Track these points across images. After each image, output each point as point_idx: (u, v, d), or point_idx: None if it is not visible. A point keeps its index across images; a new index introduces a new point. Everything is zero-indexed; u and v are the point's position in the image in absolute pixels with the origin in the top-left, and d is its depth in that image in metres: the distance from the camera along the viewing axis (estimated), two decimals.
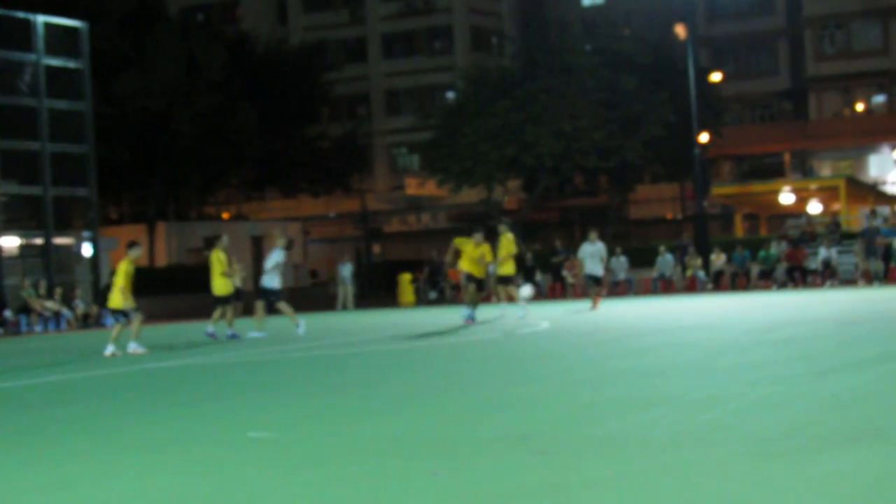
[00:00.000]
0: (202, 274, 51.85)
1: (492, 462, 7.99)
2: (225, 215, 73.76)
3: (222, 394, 14.07)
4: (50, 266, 42.99)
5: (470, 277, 27.66)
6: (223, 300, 26.81)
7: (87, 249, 44.83)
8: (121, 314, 22.19)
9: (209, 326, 27.23)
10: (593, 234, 33.24)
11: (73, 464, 9.02)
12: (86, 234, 45.17)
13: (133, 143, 58.03)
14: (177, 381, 16.50)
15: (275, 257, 26.84)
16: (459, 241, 28.10)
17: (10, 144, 42.55)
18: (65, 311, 40.50)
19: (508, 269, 29.05)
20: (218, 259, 27.02)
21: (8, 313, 39.86)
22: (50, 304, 39.98)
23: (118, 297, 22.05)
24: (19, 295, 39.92)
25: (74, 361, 21.86)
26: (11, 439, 10.79)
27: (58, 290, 41.00)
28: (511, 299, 30.18)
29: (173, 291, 50.64)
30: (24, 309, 39.59)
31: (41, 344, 28.32)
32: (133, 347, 22.12)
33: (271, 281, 27.19)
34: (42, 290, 40.33)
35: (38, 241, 43.75)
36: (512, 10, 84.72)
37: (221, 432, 10.34)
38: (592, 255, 32.71)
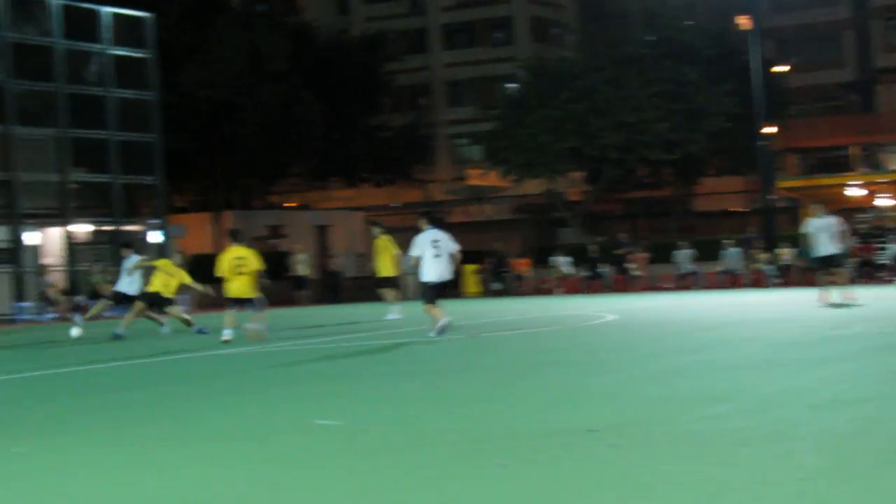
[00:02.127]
0: (266, 262, 52.47)
1: (560, 455, 7.93)
2: (289, 204, 74.00)
3: (291, 382, 14.13)
4: (119, 253, 43.34)
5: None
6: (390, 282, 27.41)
7: (154, 236, 45.19)
8: (247, 302, 22.05)
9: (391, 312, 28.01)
10: (819, 208, 27.52)
11: (147, 448, 9.09)
12: (153, 221, 45.57)
13: (198, 132, 58.35)
14: (247, 367, 16.59)
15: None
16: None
17: (80, 133, 43.03)
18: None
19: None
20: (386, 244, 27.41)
21: (79, 298, 40.33)
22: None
23: (246, 286, 21.93)
24: (89, 280, 40.37)
25: (144, 346, 22.01)
26: (87, 421, 10.90)
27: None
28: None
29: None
30: (95, 294, 39.96)
31: (111, 329, 28.46)
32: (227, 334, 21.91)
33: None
34: (111, 276, 40.70)
35: (108, 227, 44.22)
36: (572, 0, 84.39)
37: (289, 420, 10.36)
38: (823, 231, 26.86)
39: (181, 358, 18.73)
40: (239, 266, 21.63)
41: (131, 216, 45.48)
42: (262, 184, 68.95)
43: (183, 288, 26.52)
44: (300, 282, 45.66)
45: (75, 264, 42.08)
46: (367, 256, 66.25)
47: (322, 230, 62.46)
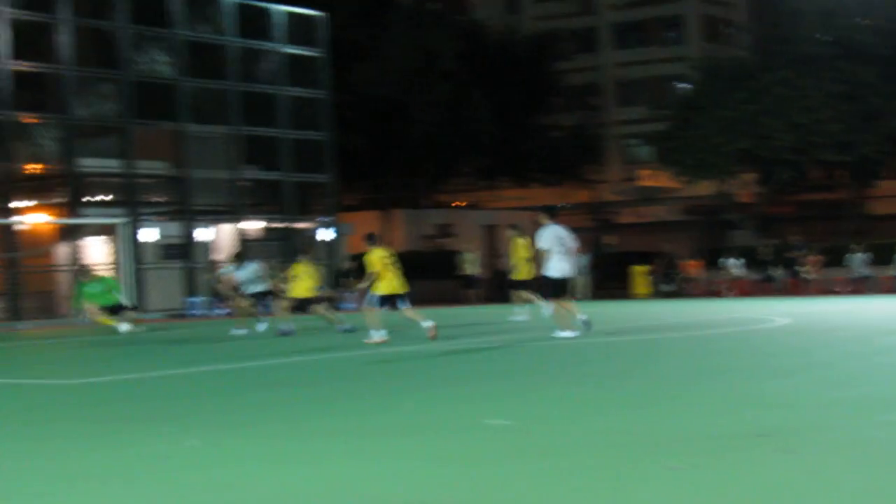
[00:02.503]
0: (435, 260, 52.55)
1: (732, 459, 7.79)
2: (458, 203, 74.03)
3: (459, 380, 14.14)
4: (288, 250, 43.79)
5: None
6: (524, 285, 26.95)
7: (325, 234, 45.49)
8: (398, 299, 21.97)
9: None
10: None
11: (319, 442, 9.19)
12: (323, 219, 45.85)
13: (368, 131, 58.67)
14: (413, 366, 16.66)
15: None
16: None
17: (253, 131, 43.54)
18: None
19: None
20: (522, 246, 27.16)
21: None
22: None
23: (399, 282, 21.86)
24: (268, 277, 40.74)
25: (316, 342, 22.22)
26: (257, 415, 11.03)
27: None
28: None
29: (407, 277, 50.83)
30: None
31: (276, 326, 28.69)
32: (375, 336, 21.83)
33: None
34: (283, 273, 41.05)
35: (278, 225, 44.63)
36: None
37: (458, 418, 10.34)
38: None
39: (342, 357, 18.83)
40: (390, 262, 21.56)
41: (302, 213, 45.85)
42: (432, 183, 69.04)
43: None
44: (469, 281, 45.55)
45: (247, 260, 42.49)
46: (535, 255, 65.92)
47: (490, 230, 62.26)
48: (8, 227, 36.40)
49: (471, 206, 72.68)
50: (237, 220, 42.81)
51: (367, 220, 57.46)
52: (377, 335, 21.29)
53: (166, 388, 14.66)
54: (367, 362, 17.24)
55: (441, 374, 15.22)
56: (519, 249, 28.34)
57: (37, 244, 37.32)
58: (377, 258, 21.46)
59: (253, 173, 44.48)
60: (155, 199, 42.79)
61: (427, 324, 21.18)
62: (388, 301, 21.59)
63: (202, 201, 42.55)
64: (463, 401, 11.77)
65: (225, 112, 43.21)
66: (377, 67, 58.02)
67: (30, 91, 39.34)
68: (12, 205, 37.29)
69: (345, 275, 41.17)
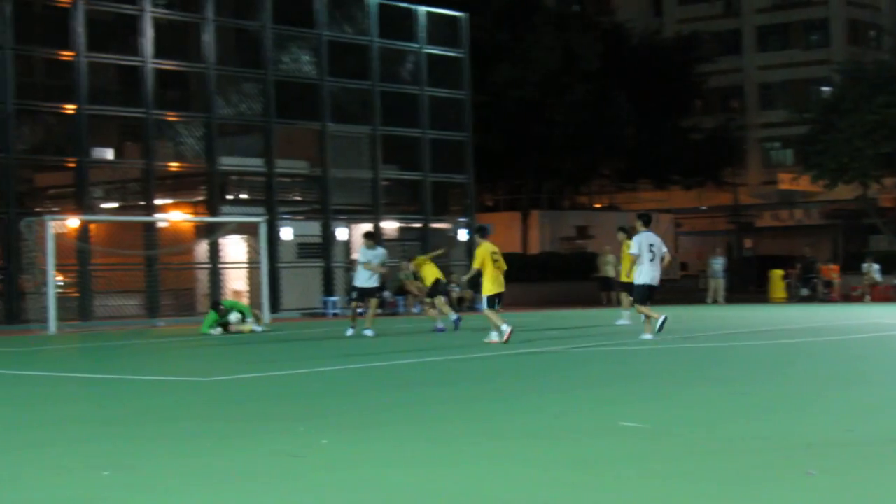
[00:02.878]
0: (573, 262, 51.34)
1: (869, 465, 7.63)
2: (597, 205, 72.66)
3: (593, 382, 14.13)
4: (427, 250, 42.80)
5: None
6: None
7: (462, 234, 44.43)
8: (501, 297, 21.32)
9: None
10: None
11: (453, 445, 9.10)
12: (462, 219, 44.93)
13: (508, 132, 57.80)
14: (542, 368, 16.54)
15: None
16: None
17: (393, 131, 42.81)
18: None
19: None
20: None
21: (387, 294, 39.87)
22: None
23: (502, 281, 21.14)
24: (397, 276, 39.82)
25: (450, 343, 22.07)
26: (393, 415, 10.99)
27: (453, 277, 40.70)
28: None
29: (544, 279, 49.72)
30: (402, 291, 39.48)
31: (416, 326, 28.47)
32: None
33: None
34: (409, 269, 40.10)
35: (416, 224, 43.87)
36: (891, 3, 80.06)
37: (593, 420, 10.29)
38: None
39: (469, 357, 18.67)
40: (496, 260, 21.30)
41: (440, 214, 44.92)
42: (571, 184, 67.88)
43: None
44: (607, 283, 44.05)
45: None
46: (674, 259, 64.43)
47: (630, 233, 60.59)
48: (150, 224, 35.96)
49: (610, 208, 71.31)
50: (375, 219, 41.91)
51: (504, 221, 56.53)
52: (497, 335, 21.03)
53: (299, 386, 14.75)
54: (495, 363, 17.16)
55: (572, 376, 15.19)
56: (627, 252, 27.18)
57: (177, 241, 36.98)
58: (485, 252, 20.84)
59: (392, 173, 43.64)
60: (294, 197, 42.40)
61: (505, 328, 20.48)
62: (498, 300, 21.33)
63: (341, 200, 42.00)
64: (597, 402, 11.75)
65: (365, 112, 42.58)
66: (518, 68, 57.15)
67: (173, 90, 39.39)
68: (154, 202, 36.75)
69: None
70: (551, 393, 12.71)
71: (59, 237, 32.18)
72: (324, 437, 9.53)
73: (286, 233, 39.63)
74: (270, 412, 11.54)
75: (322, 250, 40.89)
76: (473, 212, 46.20)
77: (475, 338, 22.30)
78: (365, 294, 25.67)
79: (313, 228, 40.92)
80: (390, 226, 43.54)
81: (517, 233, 59.23)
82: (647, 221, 21.30)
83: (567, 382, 14.20)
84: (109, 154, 37.71)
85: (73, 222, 34.40)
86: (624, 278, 26.82)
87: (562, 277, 49.93)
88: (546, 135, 58.83)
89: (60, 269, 32.44)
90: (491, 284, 21.12)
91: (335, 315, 38.47)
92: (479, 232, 22.22)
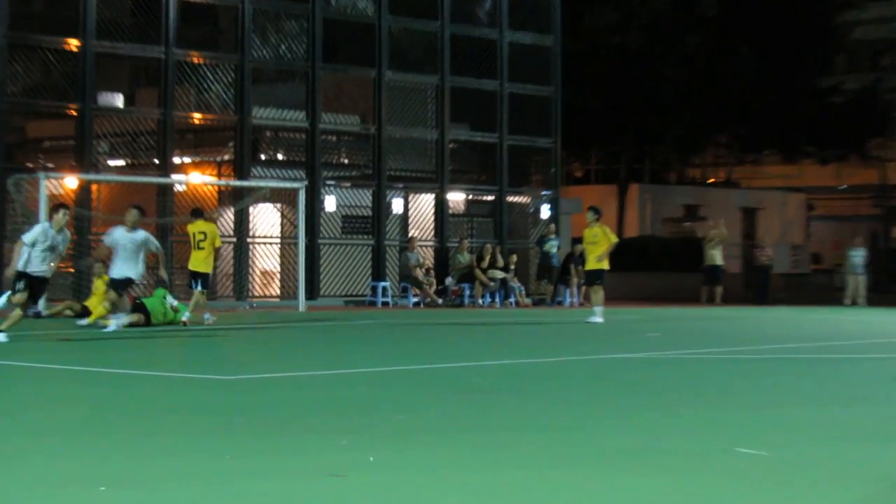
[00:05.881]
0: (679, 249, 50.99)
1: None
2: (710, 180, 72.20)
3: (700, 396, 14.19)
4: (502, 228, 42.70)
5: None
6: None
7: (545, 211, 44.28)
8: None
9: None
10: None
11: (531, 467, 9.03)
12: (545, 192, 44.74)
13: (605, 87, 57.44)
14: (647, 375, 16.69)
15: None
16: None
17: (463, 82, 42.58)
18: (515, 283, 40.07)
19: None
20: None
21: (449, 280, 39.82)
22: (497, 273, 39.56)
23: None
24: (459, 260, 39.76)
25: (527, 343, 22.53)
26: (457, 428, 11.04)
27: (512, 258, 40.61)
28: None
29: (641, 267, 49.45)
30: (469, 277, 39.41)
31: (487, 319, 28.48)
32: None
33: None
34: (488, 255, 40.03)
35: (489, 197, 43.70)
36: None
37: (705, 442, 10.35)
38: None
39: (569, 361, 18.92)
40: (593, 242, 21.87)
41: (518, 185, 44.79)
42: (680, 153, 67.43)
43: None
44: (714, 274, 43.55)
45: (448, 240, 41.52)
46: (803, 249, 63.89)
47: (749, 214, 60.46)
48: (165, 187, 36.09)
49: (727, 184, 70.77)
50: (440, 189, 41.77)
51: (596, 196, 56.27)
52: (601, 315, 21.18)
53: (340, 389, 14.90)
54: (596, 369, 17.46)
55: (677, 387, 15.25)
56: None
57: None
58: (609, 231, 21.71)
59: (462, 133, 43.49)
60: (341, 160, 42.71)
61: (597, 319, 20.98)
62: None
63: (397, 165, 41.96)
64: (707, 421, 11.81)
65: (431, 59, 42.59)
66: (621, 11, 56.91)
67: (199, 26, 39.46)
68: (171, 161, 36.92)
69: (577, 261, 39.74)
70: (652, 409, 12.75)
71: (55, 199, 32.33)
72: (371, 452, 9.52)
73: (330, 202, 39.68)
74: (305, 421, 11.57)
75: (372, 225, 40.94)
76: (559, 183, 46.01)
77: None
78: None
79: (363, 198, 40.92)
80: (456, 198, 43.45)
81: (612, 210, 58.85)
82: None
83: (672, 392, 14.28)
84: (119, 101, 37.87)
85: (71, 182, 34.63)
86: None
87: (667, 267, 49.59)
88: (652, 92, 58.44)
89: None
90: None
91: (385, 304, 38.58)
92: (596, 212, 23.93)
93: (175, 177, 37.05)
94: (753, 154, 72.26)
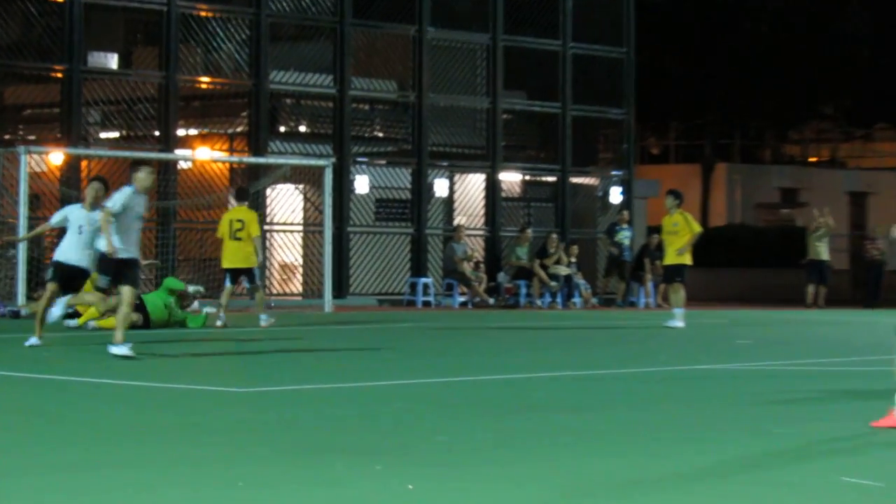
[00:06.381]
0: (776, 241, 50.77)
1: None
2: (812, 159, 71.93)
3: (793, 412, 14.21)
4: (565, 214, 42.59)
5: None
6: None
7: (616, 195, 44.18)
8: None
9: None
10: None
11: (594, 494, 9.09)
12: (616, 173, 44.68)
13: (688, 48, 57.34)
14: (734, 387, 16.81)
15: None
16: None
17: (520, 41, 42.49)
18: (580, 279, 39.96)
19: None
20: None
21: (502, 277, 39.74)
22: (560, 269, 39.48)
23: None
24: (514, 252, 39.71)
25: (594, 351, 22.77)
26: (509, 451, 10.95)
27: (573, 249, 40.49)
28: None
29: (731, 263, 49.34)
30: (525, 273, 39.35)
31: (547, 323, 28.40)
32: None
33: None
34: (553, 248, 39.96)
35: (549, 178, 43.67)
36: None
37: (804, 471, 10.30)
38: None
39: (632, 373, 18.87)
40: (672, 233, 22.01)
41: (584, 163, 44.75)
42: (776, 127, 67.21)
43: None
44: (819, 271, 43.33)
45: (500, 228, 41.47)
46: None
47: (859, 199, 60.12)
48: (167, 164, 36.17)
49: (831, 164, 70.44)
50: (492, 168, 41.79)
51: (677, 178, 56.16)
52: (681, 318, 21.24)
53: (372, 405, 14.82)
54: (673, 383, 17.58)
55: (763, 403, 15.19)
56: None
57: (205, 190, 37.08)
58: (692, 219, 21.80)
59: (517, 102, 43.49)
60: (375, 133, 42.76)
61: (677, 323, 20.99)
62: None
63: (441, 140, 41.98)
64: (799, 444, 11.74)
65: (482, 13, 42.52)
66: None
67: None
68: (174, 133, 36.96)
69: (653, 254, 39.63)
70: (738, 430, 12.69)
71: (37, 177, 32.39)
72: (409, 480, 9.51)
73: (361, 183, 39.72)
74: (333, 441, 11.58)
75: (412, 210, 40.99)
76: (633, 162, 45.90)
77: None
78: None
79: (401, 178, 41.01)
80: (511, 178, 43.43)
81: (695, 194, 58.73)
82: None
83: (757, 410, 14.30)
84: (113, 62, 38.06)
85: (56, 157, 34.67)
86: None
87: (756, 261, 49.42)
88: (744, 54, 58.32)
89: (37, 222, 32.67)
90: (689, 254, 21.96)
91: (427, 304, 38.66)
92: (677, 196, 24.39)
93: (179, 152, 37.14)
94: (863, 128, 72.02)
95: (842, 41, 59.67)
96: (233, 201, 28.37)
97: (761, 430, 12.62)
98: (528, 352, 23.04)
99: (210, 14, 38.03)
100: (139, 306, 25.89)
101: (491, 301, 39.26)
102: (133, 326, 24.75)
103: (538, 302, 39.28)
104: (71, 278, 21.20)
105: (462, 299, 39.25)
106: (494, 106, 42.48)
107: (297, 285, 39.24)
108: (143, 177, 20.36)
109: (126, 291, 19.46)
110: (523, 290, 39.75)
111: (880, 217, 58.52)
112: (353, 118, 40.21)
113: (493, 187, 42.27)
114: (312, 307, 35.43)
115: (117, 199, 19.70)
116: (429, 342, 25.12)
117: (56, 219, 22.07)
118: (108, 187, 22.01)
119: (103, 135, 38.33)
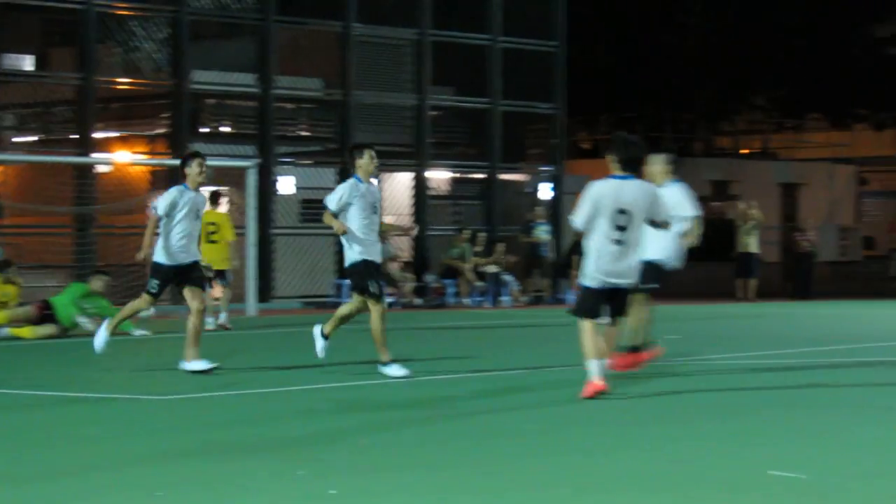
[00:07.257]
0: (708, 234, 50.92)
1: None
2: (744, 151, 72.33)
3: (730, 414, 14.32)
4: (492, 212, 42.65)
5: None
6: None
7: (545, 191, 44.30)
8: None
9: None
10: None
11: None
12: (546, 168, 44.79)
13: (619, 41, 57.56)
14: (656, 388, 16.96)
15: None
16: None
17: (448, 36, 42.57)
18: (507, 277, 40.03)
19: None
20: None
21: (430, 277, 39.75)
22: (490, 268, 39.56)
23: None
24: (448, 253, 39.74)
25: (520, 349, 23.20)
26: (433, 452, 11.04)
27: (498, 248, 40.54)
28: None
29: None
30: (452, 272, 39.38)
31: (476, 322, 28.51)
32: None
33: None
34: (479, 247, 39.98)
35: (478, 175, 43.77)
36: None
37: (734, 467, 10.53)
38: None
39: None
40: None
41: (514, 160, 44.83)
42: (707, 119, 67.58)
43: None
44: (747, 265, 43.61)
45: (428, 227, 41.48)
46: (853, 232, 64.07)
47: (789, 190, 60.59)
48: (84, 168, 35.98)
49: (763, 155, 70.85)
50: (419, 166, 41.82)
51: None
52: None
53: (294, 408, 14.99)
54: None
55: (702, 404, 15.48)
56: None
57: (124, 194, 36.87)
58: None
59: (446, 98, 43.53)
60: (300, 132, 42.89)
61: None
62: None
63: (369, 137, 41.53)
64: (729, 440, 12.04)
65: (409, 8, 42.42)
66: None
67: None
68: (92, 136, 36.79)
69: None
70: (659, 423, 12.99)
71: None
72: (332, 485, 9.61)
73: (286, 184, 39.78)
74: (250, 447, 11.61)
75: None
76: (563, 157, 46.03)
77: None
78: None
79: (327, 178, 40.70)
80: (439, 176, 43.49)
81: None
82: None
83: (695, 410, 14.54)
84: (27, 63, 37.96)
85: None
86: None
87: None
88: (673, 46, 58.61)
89: None
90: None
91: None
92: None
93: (97, 155, 36.96)
94: (795, 119, 72.48)
95: (772, 31, 60.09)
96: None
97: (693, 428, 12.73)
98: (455, 349, 23.29)
99: (129, 13, 37.86)
100: (48, 315, 25.87)
101: (419, 301, 39.28)
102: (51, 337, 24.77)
103: (466, 300, 39.34)
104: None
105: (390, 300, 39.23)
106: (422, 103, 42.54)
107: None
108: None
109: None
110: (452, 288, 39.81)
111: (811, 209, 59.08)
112: (277, 117, 40.18)
113: (420, 186, 42.30)
114: (235, 311, 35.36)
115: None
116: (353, 344, 24.98)
117: None
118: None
119: (18, 139, 38.19)
